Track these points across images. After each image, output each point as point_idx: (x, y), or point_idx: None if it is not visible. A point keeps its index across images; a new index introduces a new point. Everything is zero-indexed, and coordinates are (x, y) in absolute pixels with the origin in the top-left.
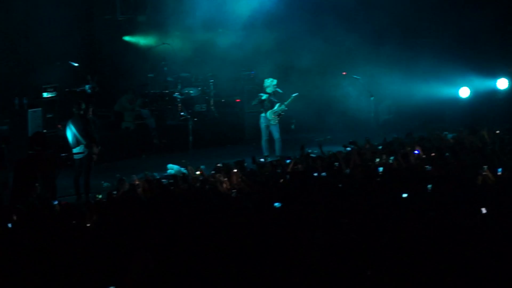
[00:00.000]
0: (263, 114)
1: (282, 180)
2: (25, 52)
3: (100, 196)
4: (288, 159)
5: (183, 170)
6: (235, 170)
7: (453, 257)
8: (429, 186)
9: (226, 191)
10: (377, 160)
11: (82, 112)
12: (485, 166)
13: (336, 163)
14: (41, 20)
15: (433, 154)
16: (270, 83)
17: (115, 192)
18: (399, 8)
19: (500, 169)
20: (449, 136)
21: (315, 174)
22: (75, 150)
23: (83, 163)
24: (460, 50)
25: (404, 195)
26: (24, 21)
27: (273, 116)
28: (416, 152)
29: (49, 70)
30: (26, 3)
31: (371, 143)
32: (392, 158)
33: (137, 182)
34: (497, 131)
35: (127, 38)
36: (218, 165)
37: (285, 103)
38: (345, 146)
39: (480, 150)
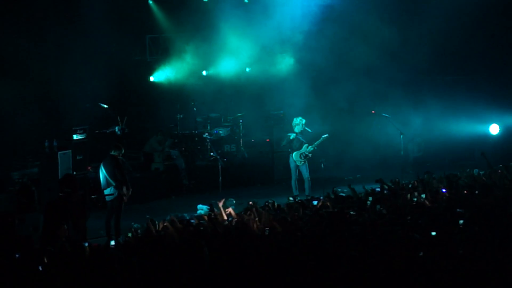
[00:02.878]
0: (291, 154)
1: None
2: (55, 94)
3: (130, 235)
4: (315, 200)
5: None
6: (266, 209)
7: None
8: (461, 221)
9: (258, 230)
10: (409, 197)
11: (120, 156)
12: None
13: (369, 201)
14: (71, 62)
15: (465, 191)
16: (299, 122)
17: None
18: (429, 47)
19: None
20: (479, 173)
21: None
22: (106, 192)
23: (114, 205)
24: (491, 87)
25: (433, 233)
26: (55, 63)
27: (299, 158)
28: (443, 190)
29: (79, 112)
30: (58, 46)
31: (398, 182)
32: (423, 195)
33: (165, 224)
34: None
35: (155, 78)
36: (250, 204)
37: (315, 143)
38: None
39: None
